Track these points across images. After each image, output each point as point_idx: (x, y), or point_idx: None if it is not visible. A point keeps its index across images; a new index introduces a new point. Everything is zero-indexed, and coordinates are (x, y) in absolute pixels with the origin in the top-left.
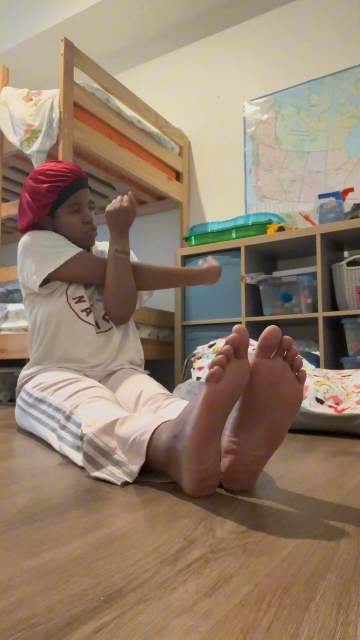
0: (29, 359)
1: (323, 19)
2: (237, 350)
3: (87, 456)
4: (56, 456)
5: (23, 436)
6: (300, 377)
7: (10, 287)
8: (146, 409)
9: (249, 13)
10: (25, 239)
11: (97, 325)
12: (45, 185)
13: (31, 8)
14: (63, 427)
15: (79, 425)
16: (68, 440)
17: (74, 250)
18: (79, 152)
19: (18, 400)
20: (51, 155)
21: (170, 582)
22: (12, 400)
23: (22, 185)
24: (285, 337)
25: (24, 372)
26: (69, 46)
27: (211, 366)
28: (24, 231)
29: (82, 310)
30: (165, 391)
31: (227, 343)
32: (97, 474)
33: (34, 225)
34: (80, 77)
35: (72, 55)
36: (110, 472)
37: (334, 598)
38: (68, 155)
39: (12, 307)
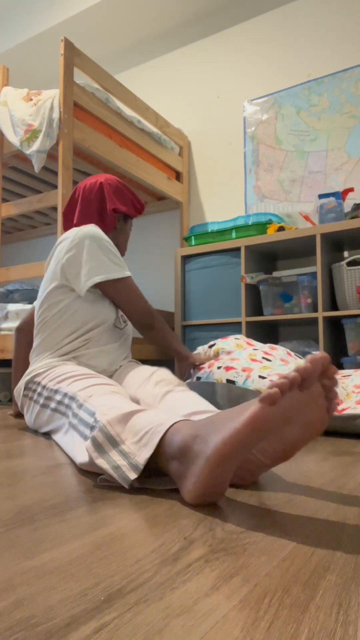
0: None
1: (323, 19)
2: (304, 381)
3: (94, 441)
4: (56, 456)
5: (23, 436)
6: (331, 409)
7: (10, 287)
8: (158, 390)
9: (249, 13)
10: (93, 229)
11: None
12: (132, 194)
13: (31, 8)
14: (75, 415)
15: (92, 414)
16: (77, 428)
17: (127, 271)
18: (79, 152)
19: (29, 394)
20: (51, 156)
21: (170, 582)
22: (12, 400)
23: (22, 185)
24: (332, 366)
25: (35, 365)
26: (69, 46)
27: (271, 387)
28: (77, 225)
29: (125, 320)
30: (177, 379)
31: (297, 371)
32: (99, 461)
33: (95, 221)
34: (80, 77)
35: (72, 55)
36: (111, 461)
37: (334, 598)
38: (68, 155)
39: (12, 307)
